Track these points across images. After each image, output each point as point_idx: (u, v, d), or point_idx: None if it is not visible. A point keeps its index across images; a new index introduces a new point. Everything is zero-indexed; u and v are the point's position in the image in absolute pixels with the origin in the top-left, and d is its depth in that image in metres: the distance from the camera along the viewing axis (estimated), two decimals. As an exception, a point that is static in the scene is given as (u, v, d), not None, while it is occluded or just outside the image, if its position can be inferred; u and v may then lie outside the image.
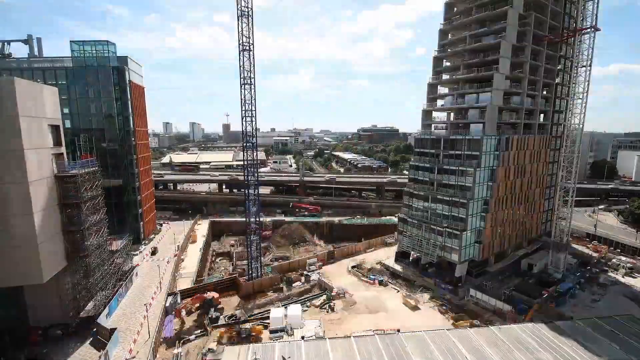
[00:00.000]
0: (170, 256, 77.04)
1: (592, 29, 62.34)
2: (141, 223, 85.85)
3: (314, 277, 68.21)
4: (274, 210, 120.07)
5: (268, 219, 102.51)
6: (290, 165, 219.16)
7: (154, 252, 78.57)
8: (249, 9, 55.11)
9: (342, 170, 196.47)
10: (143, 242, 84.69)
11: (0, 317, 45.04)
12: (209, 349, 45.18)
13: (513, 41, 65.44)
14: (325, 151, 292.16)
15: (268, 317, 52.47)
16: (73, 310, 48.82)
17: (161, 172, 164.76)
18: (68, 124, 76.30)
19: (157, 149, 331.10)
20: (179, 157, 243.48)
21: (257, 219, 65.25)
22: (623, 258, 75.94)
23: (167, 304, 53.78)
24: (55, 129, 48.24)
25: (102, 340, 44.06)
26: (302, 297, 61.58)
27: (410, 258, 75.20)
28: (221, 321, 52.60)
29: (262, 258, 69.32)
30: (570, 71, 68.78)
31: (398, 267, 72.50)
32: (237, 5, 54.50)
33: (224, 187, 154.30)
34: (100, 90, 78.20)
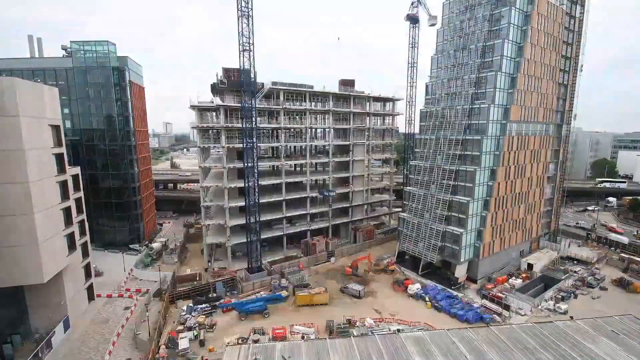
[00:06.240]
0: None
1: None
2: (141, 223, 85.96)
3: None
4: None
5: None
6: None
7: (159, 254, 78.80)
8: (249, 10, 55.17)
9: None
10: (143, 243, 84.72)
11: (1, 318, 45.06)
12: None
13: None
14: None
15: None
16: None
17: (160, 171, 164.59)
18: (68, 124, 76.73)
19: (158, 149, 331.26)
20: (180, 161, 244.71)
21: (257, 219, 65.43)
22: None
23: None
24: (55, 129, 48.29)
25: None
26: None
27: (409, 258, 75.19)
28: None
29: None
30: (569, 71, 68.80)
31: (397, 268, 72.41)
32: (238, 5, 54.53)
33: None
34: (100, 90, 78.21)
